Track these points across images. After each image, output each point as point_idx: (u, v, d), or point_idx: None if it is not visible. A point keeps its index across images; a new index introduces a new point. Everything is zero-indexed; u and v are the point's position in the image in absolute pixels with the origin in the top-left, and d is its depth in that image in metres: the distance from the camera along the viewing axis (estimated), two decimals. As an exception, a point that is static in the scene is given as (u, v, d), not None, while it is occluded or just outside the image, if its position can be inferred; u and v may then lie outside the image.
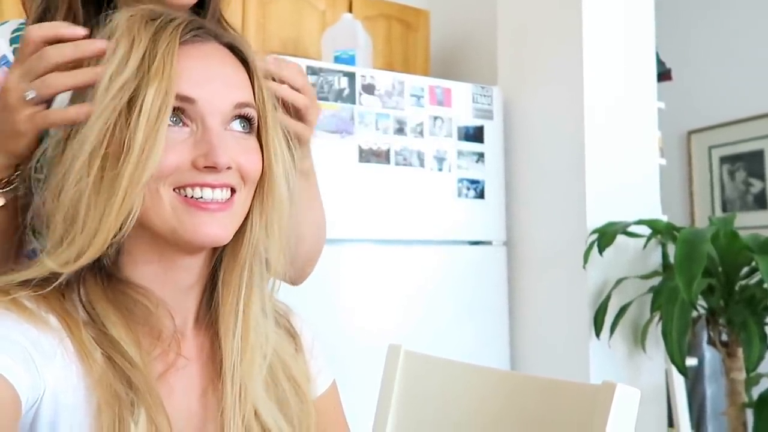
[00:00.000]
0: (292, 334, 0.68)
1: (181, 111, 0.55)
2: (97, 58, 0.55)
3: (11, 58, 0.70)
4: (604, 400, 0.67)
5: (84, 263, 0.54)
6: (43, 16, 0.70)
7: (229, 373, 0.58)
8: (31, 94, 0.55)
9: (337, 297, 1.74)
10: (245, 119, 0.58)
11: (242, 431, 0.57)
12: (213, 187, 0.55)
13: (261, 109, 0.60)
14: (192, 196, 0.55)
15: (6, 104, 0.57)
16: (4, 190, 0.61)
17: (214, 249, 0.60)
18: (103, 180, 0.53)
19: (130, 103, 0.53)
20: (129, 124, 0.52)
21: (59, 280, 0.54)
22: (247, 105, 0.58)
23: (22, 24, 0.74)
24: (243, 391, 0.58)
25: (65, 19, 0.68)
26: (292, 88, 0.67)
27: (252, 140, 0.59)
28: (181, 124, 0.55)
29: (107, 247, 0.54)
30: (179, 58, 0.55)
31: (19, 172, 0.61)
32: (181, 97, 0.54)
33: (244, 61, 0.61)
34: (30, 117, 0.56)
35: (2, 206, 0.61)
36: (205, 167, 0.54)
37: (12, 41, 0.72)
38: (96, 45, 0.55)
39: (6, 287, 0.53)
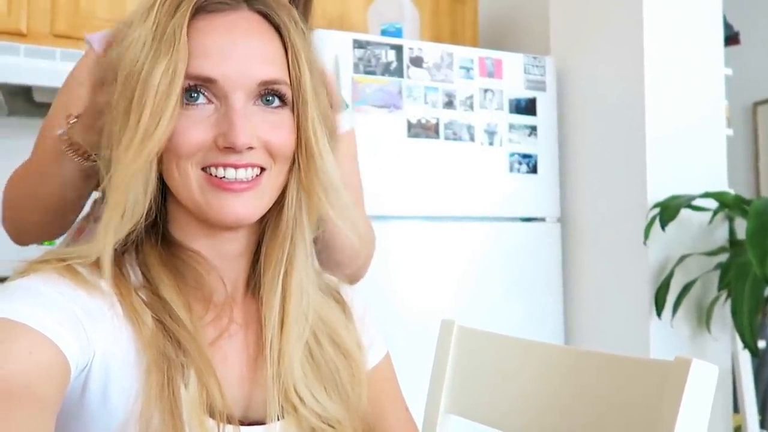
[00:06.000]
0: (341, 303, 0.67)
1: (205, 88, 0.54)
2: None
3: None
4: (678, 377, 0.62)
5: (116, 238, 0.54)
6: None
7: (268, 340, 0.58)
8: (68, 126, 0.68)
9: (386, 275, 1.72)
10: (274, 94, 0.56)
11: (280, 399, 0.57)
12: (236, 167, 0.54)
13: (295, 82, 0.56)
14: (216, 176, 0.54)
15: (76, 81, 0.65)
16: (82, 160, 0.69)
17: (259, 220, 0.59)
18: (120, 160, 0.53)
19: (144, 82, 0.52)
20: (140, 102, 0.52)
21: (107, 264, 0.54)
22: (274, 82, 0.55)
23: None
24: (281, 359, 0.57)
25: None
26: None
27: (283, 114, 0.56)
28: (205, 101, 0.54)
29: (151, 215, 0.55)
30: (200, 33, 0.53)
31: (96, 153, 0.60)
32: (201, 78, 0.53)
33: (279, 29, 0.57)
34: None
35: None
36: (225, 147, 0.53)
37: None
38: None
39: (64, 255, 0.53)
